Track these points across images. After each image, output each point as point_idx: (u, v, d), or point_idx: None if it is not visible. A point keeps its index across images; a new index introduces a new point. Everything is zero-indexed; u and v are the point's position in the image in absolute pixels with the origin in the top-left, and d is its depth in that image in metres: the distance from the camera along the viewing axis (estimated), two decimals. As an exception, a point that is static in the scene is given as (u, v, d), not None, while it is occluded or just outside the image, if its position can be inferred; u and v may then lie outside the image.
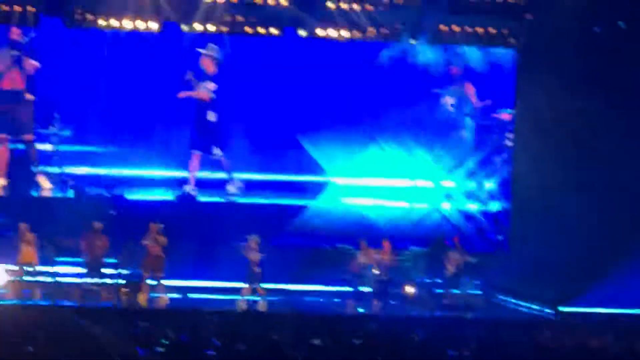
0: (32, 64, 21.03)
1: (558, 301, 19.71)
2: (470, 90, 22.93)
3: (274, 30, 21.67)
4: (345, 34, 21.87)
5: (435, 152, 23.06)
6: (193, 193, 21.57)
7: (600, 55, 21.67)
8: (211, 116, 22.33)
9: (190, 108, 22.32)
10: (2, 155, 21.70)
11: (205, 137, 22.30)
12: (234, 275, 19.82)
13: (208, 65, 22.01)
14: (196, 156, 22.00)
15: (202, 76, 22.00)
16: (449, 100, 23.10)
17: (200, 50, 22.10)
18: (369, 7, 21.68)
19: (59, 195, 21.43)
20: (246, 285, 19.52)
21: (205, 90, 22.37)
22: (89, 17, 20.81)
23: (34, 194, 21.43)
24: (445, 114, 23.18)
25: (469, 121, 23.16)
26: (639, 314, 19.74)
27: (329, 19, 21.77)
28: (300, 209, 21.98)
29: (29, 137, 21.50)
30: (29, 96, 21.38)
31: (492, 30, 22.03)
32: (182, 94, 22.02)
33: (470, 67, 22.88)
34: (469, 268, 20.82)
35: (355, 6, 21.75)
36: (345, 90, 23.08)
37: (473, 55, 22.74)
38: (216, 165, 21.95)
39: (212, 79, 22.10)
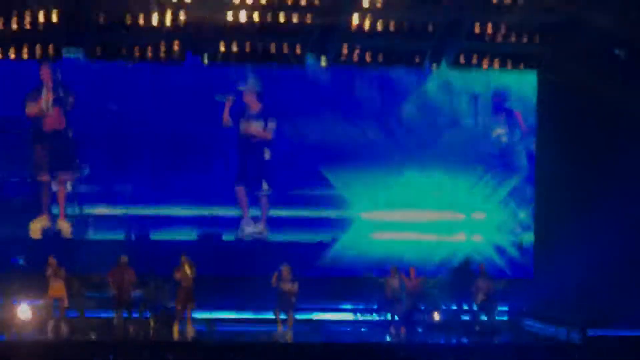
0: (71, 100, 21.28)
1: (586, 325, 19.26)
2: (519, 117, 22.93)
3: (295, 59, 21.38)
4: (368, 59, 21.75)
5: (484, 182, 23.00)
6: (259, 229, 21.73)
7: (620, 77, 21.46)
8: (267, 154, 22.34)
9: (228, 142, 22.11)
10: (45, 194, 21.82)
11: (257, 173, 22.25)
12: (263, 307, 19.74)
13: (252, 102, 21.97)
14: (241, 191, 21.99)
15: (244, 113, 22.10)
16: (500, 131, 23.04)
17: (242, 87, 22.06)
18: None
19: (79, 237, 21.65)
20: (280, 314, 19.50)
21: (269, 129, 22.33)
22: (110, 49, 20.76)
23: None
24: (497, 144, 23.11)
25: (521, 149, 23.23)
26: None
27: (352, 44, 21.51)
28: (328, 244, 22.10)
29: (65, 176, 21.61)
30: (70, 134, 21.66)
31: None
32: (248, 130, 21.77)
33: (503, 93, 22.88)
34: (496, 295, 20.74)
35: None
36: (372, 119, 22.80)
37: (502, 80, 22.87)
38: (254, 203, 22.11)
39: (259, 115, 22.20)
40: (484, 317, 20.81)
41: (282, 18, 20.73)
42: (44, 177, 21.94)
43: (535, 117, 22.91)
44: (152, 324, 19.18)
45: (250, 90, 22.18)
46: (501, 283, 21.47)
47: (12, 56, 20.89)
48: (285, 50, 21.43)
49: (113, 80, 21.85)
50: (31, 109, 21.68)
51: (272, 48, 21.52)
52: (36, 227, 21.33)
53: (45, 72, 21.46)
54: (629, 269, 21.02)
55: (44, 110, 21.79)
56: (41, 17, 20.61)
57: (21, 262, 21.06)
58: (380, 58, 21.93)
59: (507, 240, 22.87)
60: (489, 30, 21.65)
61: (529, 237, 22.77)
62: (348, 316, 21.25)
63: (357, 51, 21.76)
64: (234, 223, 21.92)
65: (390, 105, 22.95)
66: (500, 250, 22.84)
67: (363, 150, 22.68)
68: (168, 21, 20.63)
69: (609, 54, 21.82)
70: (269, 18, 20.82)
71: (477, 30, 21.67)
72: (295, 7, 20.95)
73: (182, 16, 20.50)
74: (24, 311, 18.84)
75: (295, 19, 20.86)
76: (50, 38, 20.84)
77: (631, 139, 21.15)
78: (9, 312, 18.98)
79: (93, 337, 18.93)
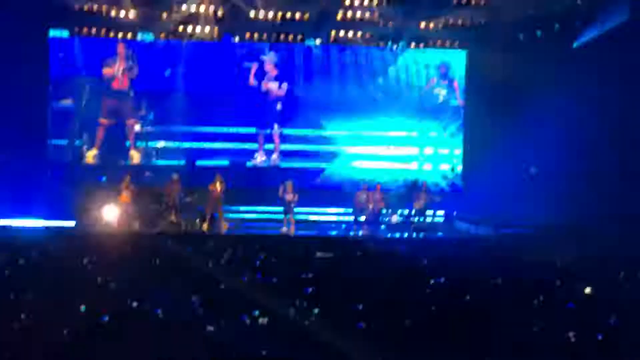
0: (135, 71, 23.82)
1: (497, 225, 22.18)
2: (455, 83, 25.27)
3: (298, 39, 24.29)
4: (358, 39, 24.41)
5: (433, 127, 25.37)
6: (264, 158, 24.44)
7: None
8: (279, 105, 24.64)
9: (251, 97, 24.47)
10: (99, 134, 24.08)
11: (272, 119, 24.67)
12: (273, 210, 23.18)
13: (271, 69, 24.60)
14: (260, 132, 24.60)
15: (264, 76, 24.71)
16: (441, 92, 25.30)
17: (264, 57, 24.76)
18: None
19: (145, 163, 24.19)
20: (283, 216, 22.51)
21: (282, 89, 24.52)
22: (172, 29, 23.57)
23: (127, 162, 24.09)
24: (437, 100, 25.43)
25: (455, 107, 25.47)
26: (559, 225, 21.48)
27: (340, 27, 24.01)
28: (321, 169, 25.02)
29: (130, 121, 24.13)
30: (131, 93, 24.13)
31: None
32: (266, 86, 24.23)
33: (449, 67, 25.41)
34: (432, 204, 23.77)
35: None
36: (360, 84, 25.22)
37: (447, 57, 25.25)
38: (268, 140, 24.79)
39: (275, 78, 24.71)
40: (422, 219, 23.68)
41: (288, 14, 23.53)
42: (110, 122, 24.13)
43: (465, 82, 25.40)
44: (196, 222, 21.99)
45: (269, 60, 24.56)
46: (440, 197, 24.35)
47: (101, 34, 23.48)
48: (292, 34, 24.37)
49: (170, 54, 24.37)
50: (106, 71, 23.77)
51: (284, 34, 24.38)
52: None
53: (121, 47, 23.68)
54: (527, 186, 23.25)
55: (115, 74, 23.91)
56: (123, 13, 23.16)
57: (104, 179, 23.49)
58: (362, 39, 24.43)
59: (447, 168, 25.62)
60: (432, 23, 24.10)
61: (461, 165, 25.60)
62: (333, 218, 24.32)
63: (342, 33, 24.25)
64: (253, 154, 24.65)
65: (368, 73, 25.25)
66: (442, 175, 25.43)
67: (348, 104, 25.04)
68: (210, 12, 23.44)
69: (521, 37, 23.86)
70: (280, 13, 23.60)
71: (423, 25, 23.98)
72: (297, 5, 23.67)
73: (220, 10, 23.41)
74: (108, 211, 21.88)
75: (297, 14, 23.63)
76: (128, 26, 23.39)
77: (531, 97, 23.11)
78: (98, 212, 21.92)
79: (155, 230, 21.85)
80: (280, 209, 22.84)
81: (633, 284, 14.97)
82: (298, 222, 22.93)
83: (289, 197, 22.53)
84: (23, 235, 20.71)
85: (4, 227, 21.35)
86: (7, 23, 21.98)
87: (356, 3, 23.66)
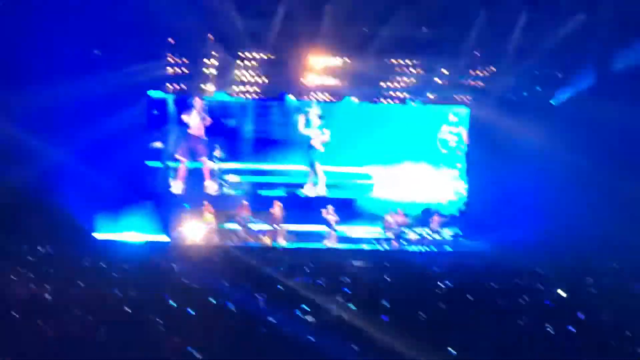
0: (208, 120, 24.41)
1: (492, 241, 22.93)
2: (463, 132, 25.75)
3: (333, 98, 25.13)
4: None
5: (439, 164, 25.90)
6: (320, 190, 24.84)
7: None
8: (322, 148, 24.80)
9: (301, 143, 24.95)
10: (182, 170, 24.43)
11: (317, 158, 24.81)
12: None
13: (315, 119, 24.91)
14: (310, 170, 24.89)
15: (310, 125, 24.94)
16: (453, 139, 25.86)
17: (310, 110, 25.01)
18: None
19: (220, 193, 24.64)
20: (329, 230, 23.53)
21: (325, 135, 24.53)
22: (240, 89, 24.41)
23: (204, 191, 24.58)
24: (448, 145, 25.97)
25: (462, 150, 25.93)
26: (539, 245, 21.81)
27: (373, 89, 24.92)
28: (353, 200, 25.09)
29: (205, 159, 24.60)
30: (205, 137, 24.59)
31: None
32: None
33: (457, 120, 26.01)
34: (443, 224, 24.65)
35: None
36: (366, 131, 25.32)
37: (455, 112, 25.87)
38: (314, 174, 25.13)
39: (319, 126, 24.90)
40: (437, 236, 24.41)
41: (331, 80, 24.51)
42: (190, 160, 24.37)
43: (468, 132, 25.89)
44: (261, 236, 23.23)
45: (314, 112, 24.91)
46: (447, 218, 25.02)
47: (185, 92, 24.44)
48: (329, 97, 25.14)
49: (237, 107, 25.15)
50: (186, 120, 24.34)
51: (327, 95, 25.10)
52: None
53: (198, 102, 24.40)
54: (516, 213, 23.29)
55: (193, 123, 24.41)
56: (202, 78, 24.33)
57: (187, 206, 23.97)
58: (388, 100, 25.16)
59: (454, 198, 26.05)
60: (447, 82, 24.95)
61: (464, 197, 25.86)
62: (366, 235, 24.60)
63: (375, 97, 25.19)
64: (303, 185, 24.93)
65: (393, 123, 25.38)
66: (450, 203, 25.79)
67: (377, 147, 25.29)
68: (270, 79, 24.45)
69: (515, 98, 24.86)
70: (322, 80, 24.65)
71: (440, 80, 24.80)
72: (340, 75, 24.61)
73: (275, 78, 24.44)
74: (193, 228, 23.12)
75: (338, 81, 24.61)
76: (208, 80, 24.42)
77: (521, 141, 23.34)
78: (185, 230, 23.14)
79: (231, 243, 22.81)
80: (324, 227, 24.01)
81: (597, 288, 15.88)
82: (338, 237, 24.07)
83: (331, 217, 23.76)
84: (128, 246, 21.85)
85: (114, 241, 22.36)
86: (118, 84, 22.93)
87: (386, 71, 24.64)
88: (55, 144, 22.22)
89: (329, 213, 23.93)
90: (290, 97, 25.24)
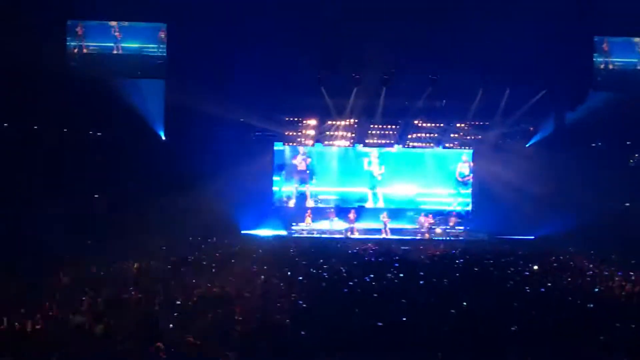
0: (308, 160, 25.31)
1: (493, 234, 23.91)
2: (470, 167, 25.86)
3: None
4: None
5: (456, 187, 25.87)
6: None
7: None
8: (380, 177, 25.17)
9: (366, 175, 25.54)
10: (293, 192, 24.79)
11: (377, 184, 25.17)
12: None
13: (375, 159, 25.35)
14: (370, 192, 25.23)
15: (371, 163, 25.31)
16: (464, 170, 25.82)
17: (371, 153, 25.27)
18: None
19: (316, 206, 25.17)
20: (382, 229, 24.03)
21: (382, 169, 25.05)
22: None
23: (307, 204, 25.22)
24: (462, 175, 25.94)
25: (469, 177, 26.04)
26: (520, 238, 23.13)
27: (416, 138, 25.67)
28: (400, 209, 25.22)
29: (307, 186, 25.24)
30: (308, 171, 25.22)
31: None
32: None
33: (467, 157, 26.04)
34: (458, 223, 25.41)
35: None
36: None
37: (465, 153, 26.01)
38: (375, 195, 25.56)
39: (378, 164, 25.24)
40: (453, 231, 24.91)
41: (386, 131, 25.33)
42: (297, 187, 25.02)
43: (473, 164, 25.83)
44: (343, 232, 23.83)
45: (375, 155, 25.40)
46: (460, 219, 25.44)
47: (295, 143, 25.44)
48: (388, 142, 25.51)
49: (325, 151, 25.61)
50: (295, 161, 25.27)
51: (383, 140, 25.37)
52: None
53: (302, 149, 25.21)
54: (506, 216, 23.80)
55: (298, 162, 25.27)
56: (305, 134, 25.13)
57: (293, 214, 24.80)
58: (414, 143, 25.70)
59: (462, 208, 25.92)
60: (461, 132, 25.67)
61: (471, 206, 25.81)
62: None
63: (409, 143, 25.67)
64: (366, 201, 25.31)
65: (424, 162, 25.80)
66: (464, 211, 25.84)
67: (416, 178, 25.38)
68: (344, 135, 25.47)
69: (503, 144, 25.17)
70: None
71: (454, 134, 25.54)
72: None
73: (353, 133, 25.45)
74: (301, 225, 24.12)
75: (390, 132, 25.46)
76: (309, 137, 25.32)
77: (507, 171, 23.79)
78: (295, 226, 24.30)
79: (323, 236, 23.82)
80: (381, 226, 24.55)
81: (561, 263, 17.35)
82: (390, 231, 24.61)
83: (385, 220, 24.61)
84: (261, 238, 22.83)
85: (254, 235, 23.21)
86: (257, 140, 24.73)
87: (419, 124, 25.45)
88: (219, 177, 22.48)
89: (384, 217, 24.72)
90: (359, 146, 25.76)
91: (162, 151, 23.05)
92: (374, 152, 25.94)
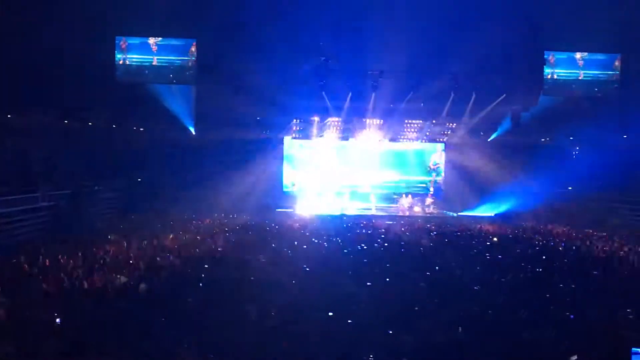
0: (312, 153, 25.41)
1: (458, 210, 24.68)
2: (443, 157, 26.14)
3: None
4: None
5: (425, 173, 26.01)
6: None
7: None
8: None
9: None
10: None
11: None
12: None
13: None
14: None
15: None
16: (437, 160, 26.05)
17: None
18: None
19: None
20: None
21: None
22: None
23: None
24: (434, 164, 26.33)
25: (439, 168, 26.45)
26: (484, 215, 23.45)
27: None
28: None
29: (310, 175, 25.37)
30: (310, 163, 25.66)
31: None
32: None
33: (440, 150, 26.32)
34: (433, 202, 25.31)
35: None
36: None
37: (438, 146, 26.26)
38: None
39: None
40: (428, 209, 24.82)
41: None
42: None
43: (445, 155, 26.19)
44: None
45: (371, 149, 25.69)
46: (434, 199, 25.45)
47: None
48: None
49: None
50: (299, 154, 25.58)
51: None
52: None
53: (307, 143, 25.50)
54: (468, 196, 24.32)
55: (303, 157, 25.33)
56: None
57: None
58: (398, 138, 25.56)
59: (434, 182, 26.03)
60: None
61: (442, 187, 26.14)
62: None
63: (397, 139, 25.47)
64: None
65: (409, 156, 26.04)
66: (434, 187, 25.96)
67: (399, 166, 25.70)
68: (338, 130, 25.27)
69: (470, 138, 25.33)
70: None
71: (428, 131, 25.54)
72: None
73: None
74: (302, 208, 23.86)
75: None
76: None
77: (477, 158, 24.35)
78: (297, 208, 24.01)
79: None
80: (370, 206, 24.85)
81: (515, 235, 17.46)
82: (378, 209, 24.78)
83: (373, 200, 24.92)
84: (285, 213, 23.13)
85: (280, 211, 23.34)
86: (268, 136, 25.02)
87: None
88: (240, 168, 22.87)
89: (373, 198, 24.93)
90: (352, 140, 25.69)
91: (191, 145, 23.21)
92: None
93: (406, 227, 18.71)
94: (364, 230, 17.48)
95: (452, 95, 23.36)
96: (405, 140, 26.15)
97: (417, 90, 22.75)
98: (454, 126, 25.68)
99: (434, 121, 25.33)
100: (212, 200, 21.92)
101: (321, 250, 13.68)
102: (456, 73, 22.07)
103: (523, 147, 24.08)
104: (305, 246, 13.81)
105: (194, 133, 23.53)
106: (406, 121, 25.58)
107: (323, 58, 20.44)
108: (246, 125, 23.64)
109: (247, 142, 23.78)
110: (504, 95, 23.19)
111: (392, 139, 25.96)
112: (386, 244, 14.52)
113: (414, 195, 25.52)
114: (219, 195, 22.10)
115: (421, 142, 25.99)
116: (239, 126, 23.30)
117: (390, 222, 20.30)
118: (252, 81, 21.30)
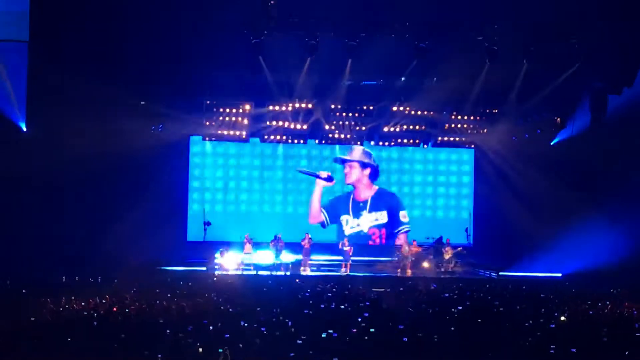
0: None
1: (498, 269, 23.57)
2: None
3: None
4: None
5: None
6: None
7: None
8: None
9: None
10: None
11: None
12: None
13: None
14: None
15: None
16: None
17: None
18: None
19: None
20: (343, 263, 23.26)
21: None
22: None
23: None
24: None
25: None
26: (542, 276, 23.13)
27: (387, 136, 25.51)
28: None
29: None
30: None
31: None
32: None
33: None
34: (456, 254, 24.12)
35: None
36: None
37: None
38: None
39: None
40: (450, 265, 23.89)
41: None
42: None
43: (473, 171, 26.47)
44: (290, 267, 22.84)
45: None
46: (458, 248, 24.39)
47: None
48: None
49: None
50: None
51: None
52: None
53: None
54: (517, 240, 24.10)
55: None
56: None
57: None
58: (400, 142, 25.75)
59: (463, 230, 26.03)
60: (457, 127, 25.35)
61: (471, 229, 25.99)
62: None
63: (391, 141, 25.68)
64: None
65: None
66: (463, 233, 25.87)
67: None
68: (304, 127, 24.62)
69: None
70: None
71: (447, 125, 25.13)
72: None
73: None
74: (231, 256, 22.80)
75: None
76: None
77: (519, 175, 24.46)
78: (224, 259, 22.96)
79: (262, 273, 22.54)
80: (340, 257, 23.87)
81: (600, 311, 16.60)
82: (354, 264, 23.66)
83: (347, 248, 23.64)
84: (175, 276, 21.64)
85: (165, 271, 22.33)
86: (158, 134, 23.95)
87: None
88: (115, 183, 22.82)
89: (345, 245, 23.96)
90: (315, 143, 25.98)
91: (21, 149, 22.16)
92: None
93: (410, 299, 18.00)
94: (332, 305, 16.57)
95: (487, 64, 22.21)
96: (404, 141, 25.92)
97: (424, 54, 21.75)
98: (490, 118, 25.07)
99: (454, 114, 24.80)
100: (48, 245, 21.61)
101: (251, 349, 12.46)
102: (489, 27, 21.26)
103: (611, 155, 23.15)
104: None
105: (24, 130, 22.48)
106: (406, 110, 24.77)
107: None
108: (119, 116, 22.77)
109: (121, 144, 22.68)
110: (577, 65, 22.13)
111: (383, 140, 25.69)
112: (372, 331, 13.62)
113: (421, 243, 24.84)
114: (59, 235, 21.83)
115: (431, 146, 26.02)
116: (105, 118, 22.51)
117: (380, 290, 19.32)
118: (126, 34, 20.67)
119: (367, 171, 25.92)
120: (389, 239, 25.82)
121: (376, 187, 26.18)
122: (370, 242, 25.53)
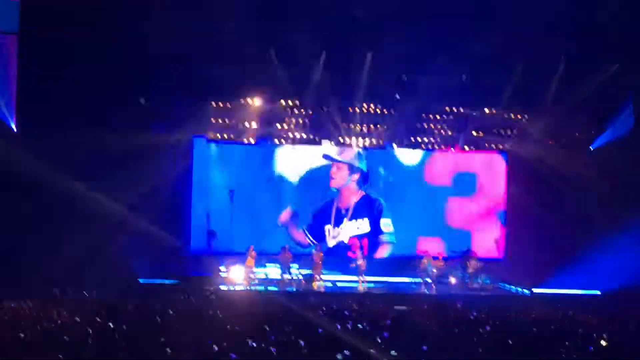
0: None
1: (530, 286, 23.34)
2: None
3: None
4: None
5: None
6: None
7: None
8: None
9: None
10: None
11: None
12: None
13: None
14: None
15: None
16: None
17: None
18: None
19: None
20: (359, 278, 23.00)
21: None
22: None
23: None
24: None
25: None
26: (579, 293, 23.04)
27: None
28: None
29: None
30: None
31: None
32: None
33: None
34: (482, 269, 24.27)
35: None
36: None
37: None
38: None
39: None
40: (476, 281, 23.88)
41: None
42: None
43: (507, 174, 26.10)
44: (303, 281, 22.87)
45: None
46: (484, 263, 24.58)
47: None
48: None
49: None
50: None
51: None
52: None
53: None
54: (552, 254, 23.67)
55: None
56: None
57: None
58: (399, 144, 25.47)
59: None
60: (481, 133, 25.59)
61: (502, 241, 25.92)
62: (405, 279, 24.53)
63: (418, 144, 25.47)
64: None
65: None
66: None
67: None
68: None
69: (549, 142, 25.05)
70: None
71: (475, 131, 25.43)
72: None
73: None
74: (236, 270, 22.92)
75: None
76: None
77: (553, 185, 24.13)
78: (229, 272, 23.14)
79: (271, 288, 22.50)
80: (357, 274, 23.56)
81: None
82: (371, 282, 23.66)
83: (360, 261, 23.55)
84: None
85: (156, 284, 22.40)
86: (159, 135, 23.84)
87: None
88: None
89: (359, 256, 24.02)
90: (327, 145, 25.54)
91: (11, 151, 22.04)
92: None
93: (434, 318, 17.11)
94: (349, 324, 15.64)
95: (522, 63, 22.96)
96: (427, 144, 25.78)
97: (451, 48, 22.28)
98: (524, 120, 25.30)
99: (487, 109, 24.86)
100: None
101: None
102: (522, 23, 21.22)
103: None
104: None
105: (15, 130, 22.75)
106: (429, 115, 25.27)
107: None
108: (117, 116, 22.85)
109: (120, 146, 22.53)
110: (617, 65, 22.81)
111: (402, 142, 25.49)
112: (394, 353, 12.74)
113: (447, 257, 24.74)
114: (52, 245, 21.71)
115: (452, 148, 25.85)
116: (102, 118, 22.63)
117: (402, 308, 18.85)
118: (124, 27, 20.94)
119: (356, 176, 25.32)
120: (372, 250, 25.24)
121: (362, 193, 25.73)
122: (350, 253, 24.27)
